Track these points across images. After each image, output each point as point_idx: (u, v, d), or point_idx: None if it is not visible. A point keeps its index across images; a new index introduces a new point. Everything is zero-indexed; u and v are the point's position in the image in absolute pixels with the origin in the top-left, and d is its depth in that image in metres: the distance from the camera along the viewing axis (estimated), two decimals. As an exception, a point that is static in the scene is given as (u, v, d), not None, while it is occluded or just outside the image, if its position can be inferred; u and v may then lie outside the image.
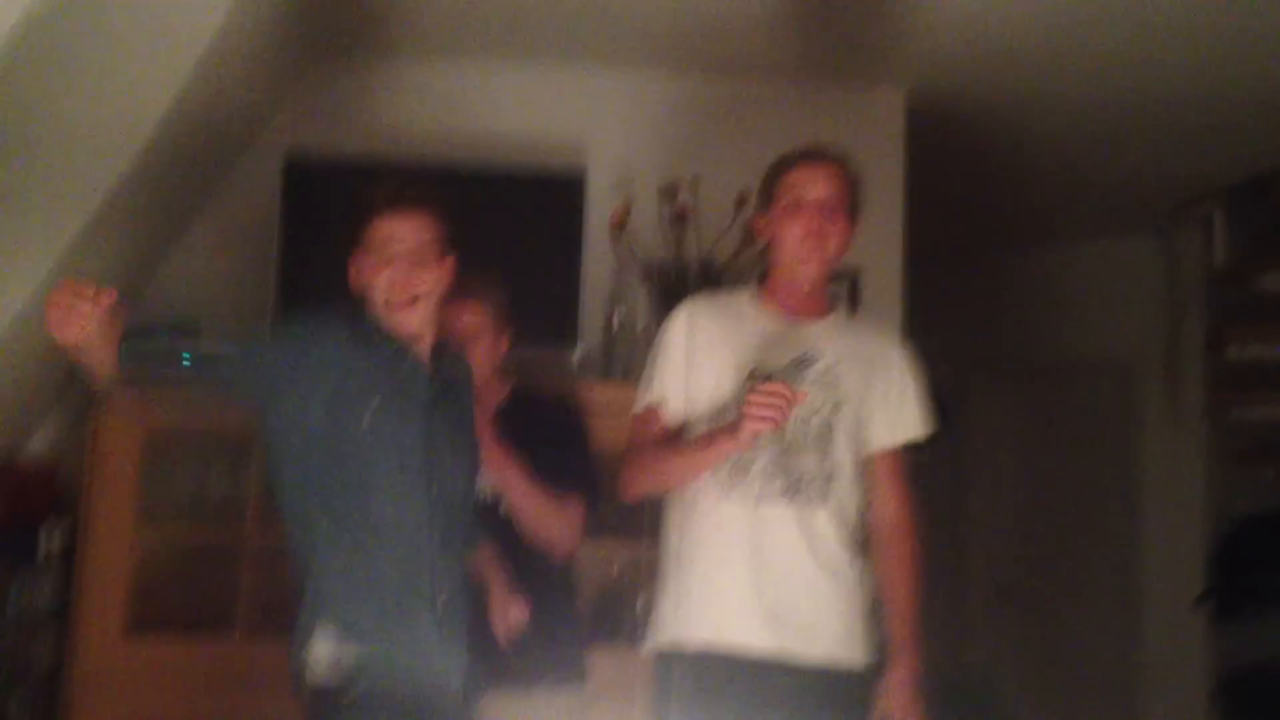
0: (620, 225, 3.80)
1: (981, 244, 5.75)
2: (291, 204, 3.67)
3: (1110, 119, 4.39)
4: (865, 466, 2.53)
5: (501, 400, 2.76)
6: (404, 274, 2.28)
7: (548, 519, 2.65)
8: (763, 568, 2.41)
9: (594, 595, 3.72)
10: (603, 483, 2.79)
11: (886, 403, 2.52)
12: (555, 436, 2.77)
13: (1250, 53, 3.80)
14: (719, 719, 2.38)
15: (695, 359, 2.49)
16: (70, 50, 2.64)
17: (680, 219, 3.82)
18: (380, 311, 2.31)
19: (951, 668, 5.05)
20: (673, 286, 3.74)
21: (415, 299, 2.29)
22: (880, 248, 4.15)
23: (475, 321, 2.69)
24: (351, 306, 2.35)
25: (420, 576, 2.25)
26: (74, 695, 3.37)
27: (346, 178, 3.65)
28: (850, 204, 2.51)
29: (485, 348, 2.71)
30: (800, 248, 2.46)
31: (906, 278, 4.20)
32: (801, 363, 2.45)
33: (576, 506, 2.71)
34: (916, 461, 2.63)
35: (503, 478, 2.62)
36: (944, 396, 5.47)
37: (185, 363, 3.42)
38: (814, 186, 2.46)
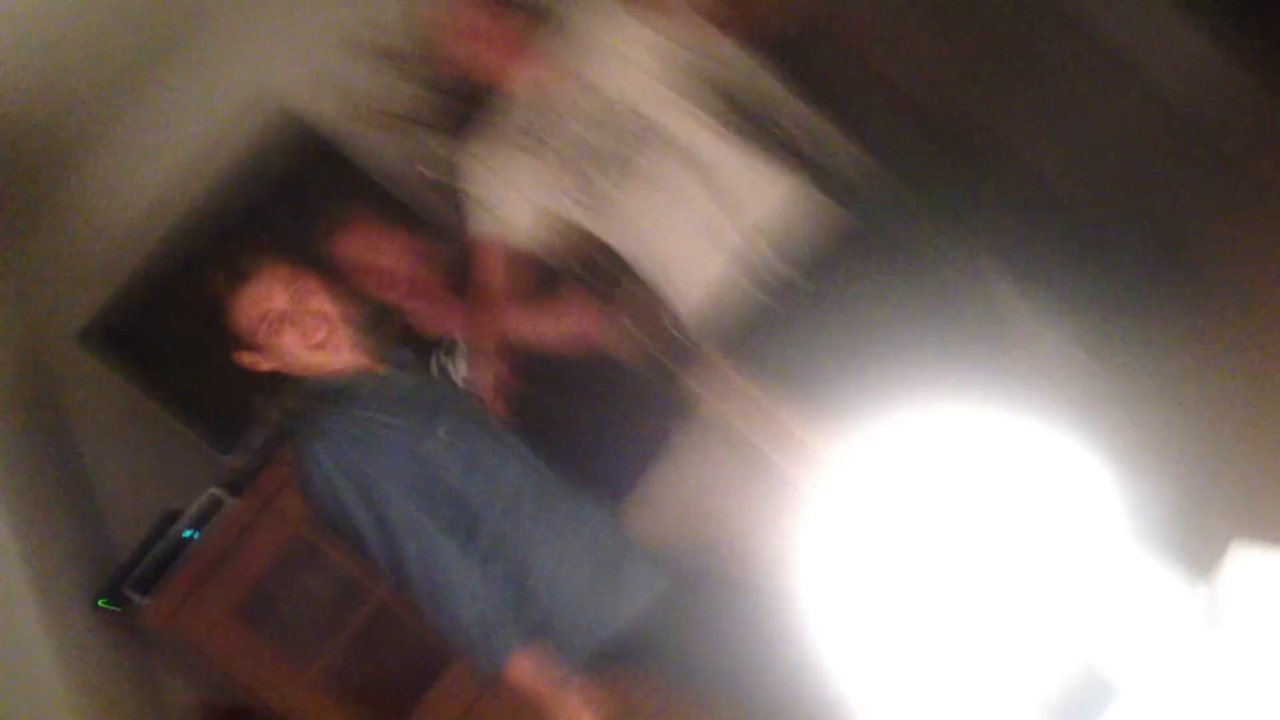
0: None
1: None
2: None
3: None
4: None
5: None
6: (301, 322, 2.17)
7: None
8: None
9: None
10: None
11: None
12: None
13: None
14: None
15: None
16: None
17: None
18: (302, 364, 2.20)
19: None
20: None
21: (322, 338, 2.19)
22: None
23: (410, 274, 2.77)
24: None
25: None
26: None
27: None
28: None
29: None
30: None
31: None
32: None
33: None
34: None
35: (515, 329, 2.63)
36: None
37: None
38: None
